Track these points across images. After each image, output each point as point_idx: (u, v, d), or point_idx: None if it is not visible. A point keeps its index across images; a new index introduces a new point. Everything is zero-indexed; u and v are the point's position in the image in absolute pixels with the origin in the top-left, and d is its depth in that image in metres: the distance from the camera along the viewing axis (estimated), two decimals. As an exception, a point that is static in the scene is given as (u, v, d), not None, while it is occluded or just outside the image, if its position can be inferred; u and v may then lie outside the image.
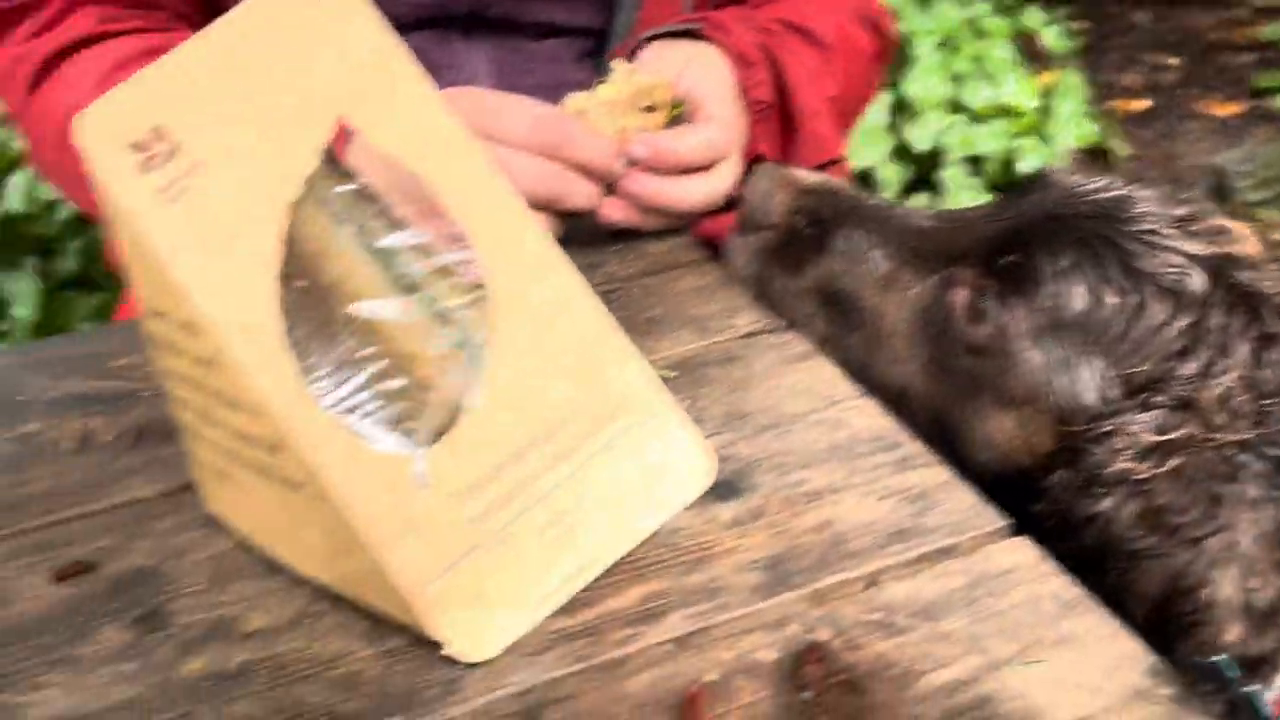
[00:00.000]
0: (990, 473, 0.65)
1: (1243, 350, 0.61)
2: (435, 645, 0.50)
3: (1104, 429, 0.61)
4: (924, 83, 2.46)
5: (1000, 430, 0.66)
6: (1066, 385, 0.64)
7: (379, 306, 0.52)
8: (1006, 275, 0.66)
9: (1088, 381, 0.63)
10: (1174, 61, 3.32)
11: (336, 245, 0.52)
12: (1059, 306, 0.64)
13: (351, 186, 0.54)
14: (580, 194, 0.80)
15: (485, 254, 0.51)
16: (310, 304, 0.52)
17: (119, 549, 0.59)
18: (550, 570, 0.50)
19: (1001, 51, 2.59)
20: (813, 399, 0.65)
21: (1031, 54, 2.79)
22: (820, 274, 0.74)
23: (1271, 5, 3.48)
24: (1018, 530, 0.56)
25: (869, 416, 0.63)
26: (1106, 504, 0.60)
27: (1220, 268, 0.63)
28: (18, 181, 2.04)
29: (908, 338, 0.70)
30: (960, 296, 0.68)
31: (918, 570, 0.53)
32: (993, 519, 0.56)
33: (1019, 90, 2.51)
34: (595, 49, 1.02)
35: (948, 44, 2.57)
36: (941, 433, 0.68)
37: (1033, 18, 2.78)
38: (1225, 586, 0.57)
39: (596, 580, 0.53)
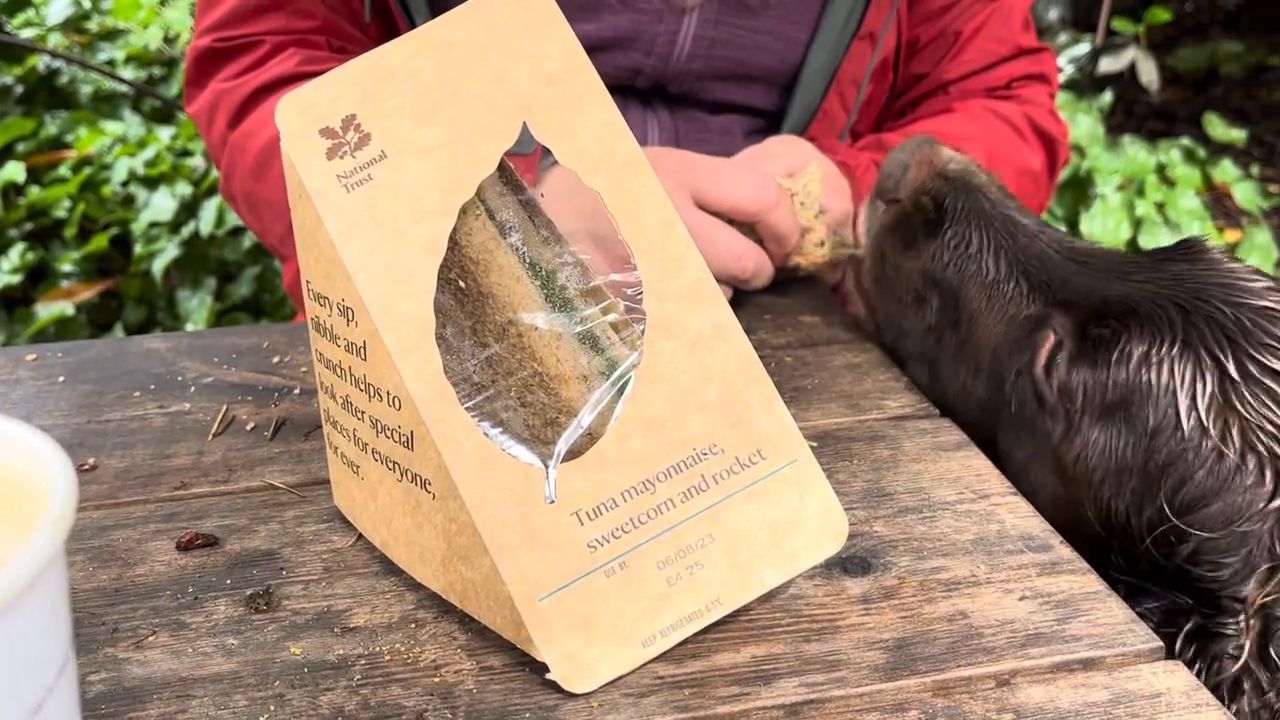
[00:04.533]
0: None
1: None
2: (536, 670, 0.49)
3: (1146, 554, 0.57)
4: (1103, 222, 2.39)
5: (1045, 492, 0.62)
6: (1115, 489, 0.59)
7: (531, 318, 0.52)
8: (1093, 342, 0.62)
9: (1139, 499, 0.59)
10: (1374, 235, 3.16)
11: (499, 253, 0.53)
12: (1133, 402, 0.59)
13: (521, 197, 0.54)
14: (766, 275, 0.82)
15: (646, 276, 0.50)
16: (464, 306, 0.52)
17: (242, 530, 0.59)
18: (664, 608, 0.48)
19: (1188, 201, 2.51)
20: (960, 489, 0.62)
21: (1220, 209, 2.70)
22: (929, 258, 0.73)
23: None
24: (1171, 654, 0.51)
25: (1020, 516, 0.59)
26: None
27: None
28: (211, 206, 2.16)
29: (993, 356, 0.68)
30: (1047, 343, 0.64)
31: (1055, 678, 0.49)
32: (1144, 638, 0.51)
33: (1203, 241, 2.42)
34: (768, 126, 1.03)
35: (1131, 186, 2.51)
36: (997, 459, 0.65)
37: (1226, 172, 2.69)
38: None
39: (708, 631, 0.51)
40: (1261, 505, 0.56)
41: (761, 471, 0.50)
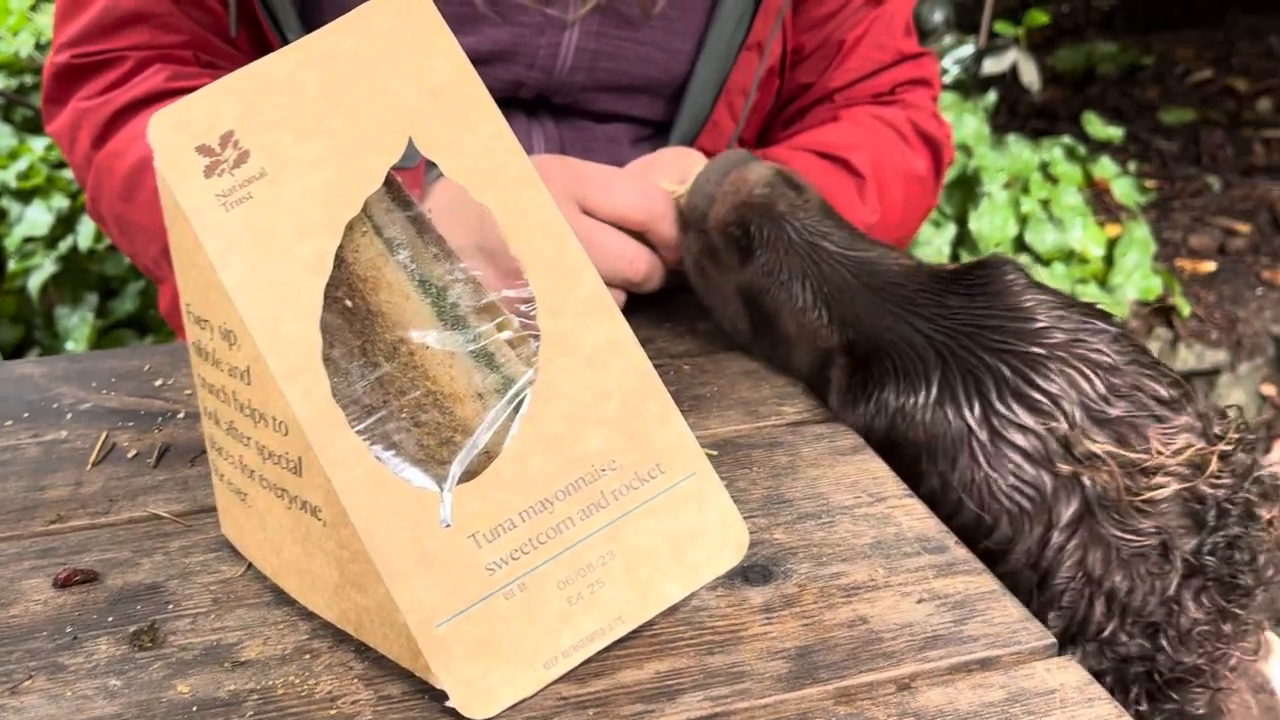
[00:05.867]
0: None
1: None
2: (435, 697, 0.48)
3: None
4: (990, 219, 2.46)
5: None
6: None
7: (423, 337, 0.51)
8: (856, 391, 0.67)
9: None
10: (1244, 228, 3.30)
11: (388, 270, 0.51)
12: (894, 453, 0.64)
13: (409, 213, 0.53)
14: (658, 277, 0.81)
15: (540, 293, 0.49)
16: (353, 326, 0.51)
17: (125, 563, 0.57)
18: (566, 628, 0.47)
19: (1071, 198, 2.59)
20: (858, 493, 0.62)
21: (1101, 204, 2.79)
22: (742, 282, 0.75)
23: (1346, 183, 3.46)
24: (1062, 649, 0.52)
25: (916, 518, 0.60)
26: None
27: (1067, 503, 0.58)
28: (90, 220, 2.08)
29: (809, 376, 0.73)
30: (837, 377, 0.68)
31: (954, 679, 0.50)
32: (1038, 635, 0.52)
33: (1086, 236, 2.50)
34: (655, 134, 1.03)
35: (1017, 184, 2.58)
36: None
37: (1105, 168, 2.78)
38: None
39: (611, 649, 0.50)
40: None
41: (660, 486, 0.50)
